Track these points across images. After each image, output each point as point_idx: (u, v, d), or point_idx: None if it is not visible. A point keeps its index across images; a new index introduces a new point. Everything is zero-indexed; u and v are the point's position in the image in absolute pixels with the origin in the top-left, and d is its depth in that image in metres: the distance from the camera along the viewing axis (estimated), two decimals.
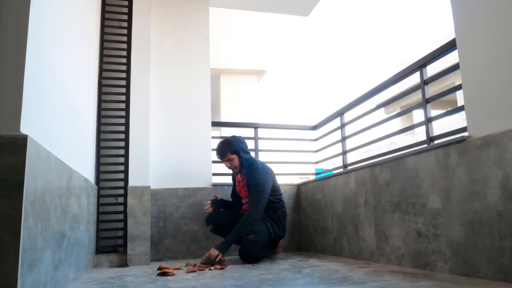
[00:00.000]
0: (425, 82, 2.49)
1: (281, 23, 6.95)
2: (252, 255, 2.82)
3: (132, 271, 2.55)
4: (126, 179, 3.06)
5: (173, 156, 3.58)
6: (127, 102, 3.17)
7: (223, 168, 3.34)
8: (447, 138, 2.09)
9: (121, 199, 3.06)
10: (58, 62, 1.89)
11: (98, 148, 3.02)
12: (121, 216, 3.02)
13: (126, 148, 3.10)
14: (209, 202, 3.20)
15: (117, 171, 3.07)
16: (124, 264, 2.92)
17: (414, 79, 2.67)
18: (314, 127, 4.17)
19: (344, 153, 3.53)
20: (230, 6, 4.71)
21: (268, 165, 3.25)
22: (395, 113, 2.98)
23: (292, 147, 4.18)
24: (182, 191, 3.48)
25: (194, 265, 2.60)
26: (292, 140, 4.20)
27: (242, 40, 6.77)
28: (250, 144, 3.85)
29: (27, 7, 1.41)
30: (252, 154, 3.83)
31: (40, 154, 1.45)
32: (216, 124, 4.26)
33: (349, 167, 3.26)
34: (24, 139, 1.31)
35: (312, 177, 4.06)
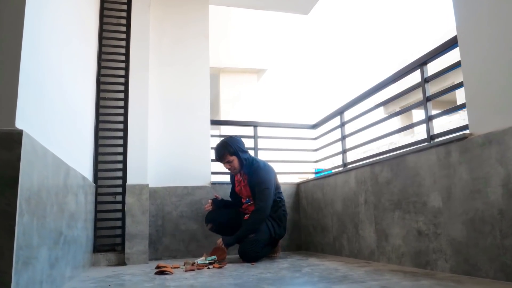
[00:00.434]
0: (425, 80, 2.47)
1: (281, 21, 6.93)
2: (252, 254, 2.80)
3: (130, 270, 2.53)
4: (124, 178, 3.04)
5: (172, 155, 3.55)
6: (125, 99, 3.15)
7: (222, 166, 3.31)
8: (448, 136, 2.07)
9: (119, 198, 3.04)
10: (56, 58, 1.87)
11: (96, 146, 3.00)
12: (119, 215, 2.99)
13: (125, 146, 3.08)
14: (210, 200, 3.19)
15: (115, 169, 3.05)
16: (122, 263, 2.90)
17: (414, 80, 2.65)
18: (314, 126, 4.15)
19: (344, 152, 3.51)
20: (229, 4, 4.70)
21: (268, 163, 3.23)
22: (395, 112, 2.96)
23: (292, 146, 4.16)
24: (181, 189, 3.46)
25: (193, 264, 2.57)
26: (292, 139, 4.18)
27: (242, 39, 6.75)
28: (249, 143, 3.84)
29: (23, 2, 1.39)
30: (252, 152, 3.82)
31: (36, 150, 1.43)
32: (215, 122, 4.24)
33: (349, 166, 3.24)
34: (19, 134, 1.28)
35: (312, 176, 4.04)
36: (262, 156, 3.91)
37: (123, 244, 2.94)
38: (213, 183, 3.59)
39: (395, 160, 2.44)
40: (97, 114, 3.05)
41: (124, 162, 3.06)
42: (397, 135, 12.28)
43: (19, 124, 1.32)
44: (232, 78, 6.84)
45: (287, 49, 7.55)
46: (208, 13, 3.99)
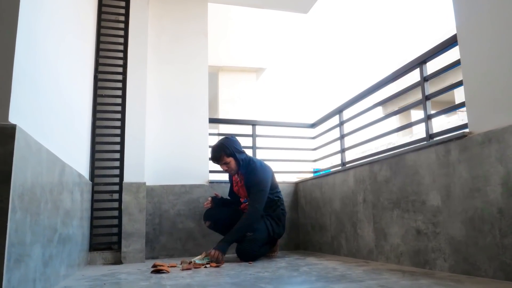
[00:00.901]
0: (425, 79, 2.46)
1: (281, 20, 6.91)
2: (250, 253, 2.78)
3: (126, 269, 2.51)
4: (121, 175, 3.01)
5: (169, 153, 3.53)
6: (123, 97, 3.13)
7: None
8: (448, 135, 2.05)
9: (116, 196, 3.02)
10: (53, 53, 1.85)
11: (93, 143, 2.98)
12: (115, 213, 2.97)
13: (122, 143, 3.05)
14: (209, 198, 3.16)
15: (112, 167, 3.03)
16: (118, 261, 2.87)
17: (413, 81, 2.62)
18: (313, 125, 4.14)
19: (342, 151, 3.49)
20: (229, 2, 4.67)
21: (266, 162, 3.21)
22: (394, 111, 2.94)
23: (290, 145, 4.14)
24: (179, 188, 3.44)
25: (190, 263, 2.55)
26: (290, 138, 4.16)
27: (241, 37, 6.73)
28: (248, 142, 3.82)
29: None
30: (250, 151, 3.80)
31: (30, 145, 1.40)
32: (213, 121, 4.22)
33: (347, 165, 3.22)
34: (12, 128, 1.26)
35: (310, 175, 4.02)
36: (260, 155, 3.89)
37: (119, 242, 2.91)
38: (211, 182, 3.56)
39: (394, 159, 2.42)
40: (94, 111, 3.02)
41: (121, 159, 3.03)
42: (395, 135, 12.27)
43: (13, 118, 1.30)
44: (231, 77, 6.81)
45: (286, 48, 7.52)
46: (207, 11, 3.97)
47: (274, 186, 3.11)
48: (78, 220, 2.36)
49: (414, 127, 12.27)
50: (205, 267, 2.48)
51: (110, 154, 3.05)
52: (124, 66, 3.17)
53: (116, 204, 2.99)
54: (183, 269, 2.38)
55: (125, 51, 3.20)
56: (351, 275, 1.99)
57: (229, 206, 3.20)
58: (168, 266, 2.40)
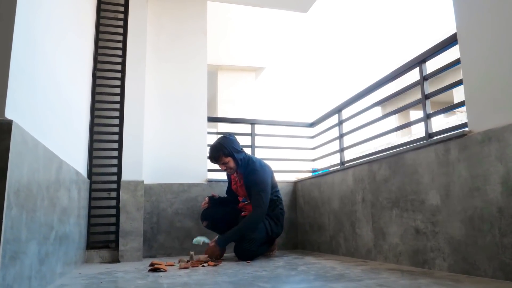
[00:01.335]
0: (424, 78, 2.45)
1: (280, 20, 6.90)
2: (249, 253, 2.77)
3: (123, 267, 2.49)
4: (119, 174, 3.00)
5: (168, 151, 3.52)
6: (121, 95, 3.11)
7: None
8: (447, 134, 2.04)
9: (113, 194, 3.00)
10: (51, 50, 1.84)
11: (91, 141, 2.96)
12: (113, 211, 2.96)
13: (120, 141, 3.04)
14: (206, 198, 3.14)
15: (110, 165, 3.02)
16: (115, 260, 2.86)
17: (412, 81, 2.61)
18: (312, 124, 4.12)
19: (341, 150, 3.48)
20: (228, 0, 4.65)
21: (265, 162, 3.19)
22: (393, 110, 2.93)
23: (289, 144, 4.13)
24: (177, 186, 3.42)
25: (187, 262, 2.54)
26: (289, 137, 4.15)
27: (241, 37, 6.71)
28: (246, 141, 3.80)
29: None
30: (249, 150, 3.79)
31: (26, 141, 1.39)
32: (212, 119, 4.21)
33: (346, 164, 3.21)
34: (8, 124, 1.25)
35: (309, 175, 4.00)
36: (259, 154, 3.88)
37: (117, 241, 2.90)
38: (209, 181, 3.55)
39: (393, 158, 2.41)
40: (93, 109, 3.01)
41: (119, 158, 3.02)
42: (394, 136, 12.28)
43: (9, 114, 1.28)
44: (230, 76, 6.80)
45: (286, 47, 7.52)
46: (206, 9, 3.95)
47: (273, 186, 3.09)
48: (75, 218, 2.35)
49: (413, 128, 12.28)
50: (203, 266, 2.47)
51: (108, 152, 3.04)
52: (123, 64, 3.16)
53: (114, 202, 2.97)
54: (180, 268, 2.36)
55: (124, 49, 3.19)
56: (349, 274, 1.98)
57: (227, 205, 3.18)
58: (165, 265, 2.38)
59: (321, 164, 4.17)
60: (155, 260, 2.59)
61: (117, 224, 2.92)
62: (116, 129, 3.06)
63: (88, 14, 2.93)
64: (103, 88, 3.10)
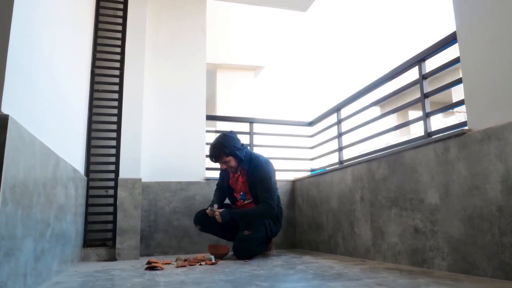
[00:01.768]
0: (423, 77, 2.44)
1: (279, 19, 6.88)
2: (248, 252, 2.75)
3: (120, 265, 2.48)
4: (117, 171, 2.98)
5: (166, 149, 3.50)
6: (120, 92, 3.10)
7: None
8: (447, 132, 2.03)
9: (111, 192, 2.98)
10: (49, 46, 1.83)
11: (89, 138, 2.94)
12: (110, 209, 2.94)
13: (118, 139, 3.02)
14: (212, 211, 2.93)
15: (108, 162, 3.00)
16: (112, 258, 2.84)
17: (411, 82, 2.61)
18: (311, 123, 4.11)
19: (340, 149, 3.47)
20: None
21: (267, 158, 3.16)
22: (392, 109, 2.92)
23: (288, 143, 4.12)
24: (175, 184, 3.40)
25: (184, 260, 2.52)
26: (288, 136, 4.14)
27: (240, 35, 6.69)
28: (245, 139, 3.78)
29: None
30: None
31: (22, 137, 1.38)
32: (211, 118, 4.19)
33: (345, 163, 3.20)
34: (4, 119, 1.24)
35: (307, 174, 3.99)
36: (257, 152, 3.86)
37: (114, 239, 2.88)
38: (208, 179, 3.54)
39: (392, 157, 2.40)
40: (91, 106, 2.99)
41: (117, 155, 3.00)
42: (393, 136, 12.27)
43: (5, 109, 1.27)
44: (229, 75, 6.78)
45: (285, 46, 7.49)
46: (205, 7, 3.94)
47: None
48: (72, 216, 2.33)
49: (412, 129, 12.27)
50: (200, 264, 2.45)
51: (106, 149, 3.02)
52: (122, 61, 3.14)
53: (111, 200, 2.95)
54: (177, 266, 2.35)
55: (122, 46, 3.17)
56: (348, 273, 1.97)
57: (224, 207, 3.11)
58: (162, 263, 2.37)
59: (320, 163, 4.16)
60: (152, 259, 2.58)
61: (114, 222, 2.91)
62: (114, 127, 3.04)
63: (87, 11, 2.91)
64: (101, 85, 3.08)
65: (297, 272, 2.05)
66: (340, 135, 3.48)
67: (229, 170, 3.03)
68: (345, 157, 3.43)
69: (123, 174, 2.97)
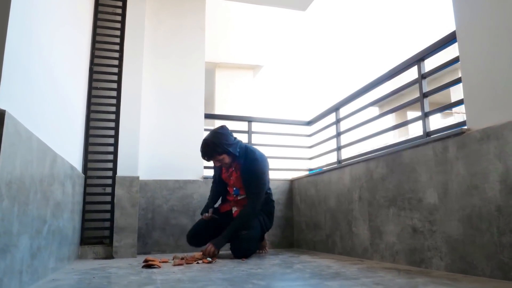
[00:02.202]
0: (423, 76, 2.44)
1: (279, 18, 6.88)
2: (247, 252, 2.74)
3: (117, 263, 2.46)
4: (114, 169, 2.97)
5: (164, 147, 3.49)
6: (118, 90, 3.08)
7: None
8: (446, 132, 2.03)
9: (109, 189, 2.97)
10: (47, 42, 1.81)
11: (87, 135, 2.93)
12: (108, 207, 2.93)
13: (116, 137, 3.01)
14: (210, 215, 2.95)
15: (105, 160, 2.99)
16: (109, 256, 2.83)
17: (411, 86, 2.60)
18: (309, 123, 4.11)
19: (338, 149, 3.46)
20: None
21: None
22: (390, 109, 2.92)
23: (286, 142, 4.11)
24: (172, 183, 3.39)
25: (182, 258, 2.51)
26: (286, 135, 4.13)
27: (239, 34, 6.69)
28: (243, 138, 3.77)
29: None
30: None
31: (19, 133, 1.36)
32: (209, 116, 4.18)
33: (344, 162, 3.20)
34: (1, 114, 1.23)
35: (305, 173, 3.99)
36: (253, 146, 3.84)
37: (111, 237, 2.87)
38: (205, 177, 3.53)
39: (390, 156, 2.40)
40: (89, 103, 2.98)
41: (115, 153, 2.99)
42: (391, 137, 12.29)
43: (2, 104, 1.26)
44: (228, 74, 6.78)
45: (284, 46, 7.49)
46: (205, 5, 3.93)
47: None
48: (69, 213, 2.31)
49: (411, 129, 12.29)
50: (197, 263, 2.44)
51: (103, 147, 3.01)
52: (120, 59, 3.13)
53: (108, 198, 2.94)
54: (174, 265, 2.34)
55: (121, 44, 3.16)
56: (345, 273, 1.96)
57: (214, 229, 2.90)
58: (159, 262, 2.36)
59: (318, 163, 4.15)
60: (149, 257, 2.57)
61: (111, 220, 2.89)
62: (112, 124, 3.03)
63: (87, 8, 2.90)
64: (100, 83, 3.07)
65: (295, 271, 2.04)
66: (338, 134, 3.48)
67: (223, 166, 2.99)
68: (343, 157, 3.43)
69: (121, 172, 2.96)
